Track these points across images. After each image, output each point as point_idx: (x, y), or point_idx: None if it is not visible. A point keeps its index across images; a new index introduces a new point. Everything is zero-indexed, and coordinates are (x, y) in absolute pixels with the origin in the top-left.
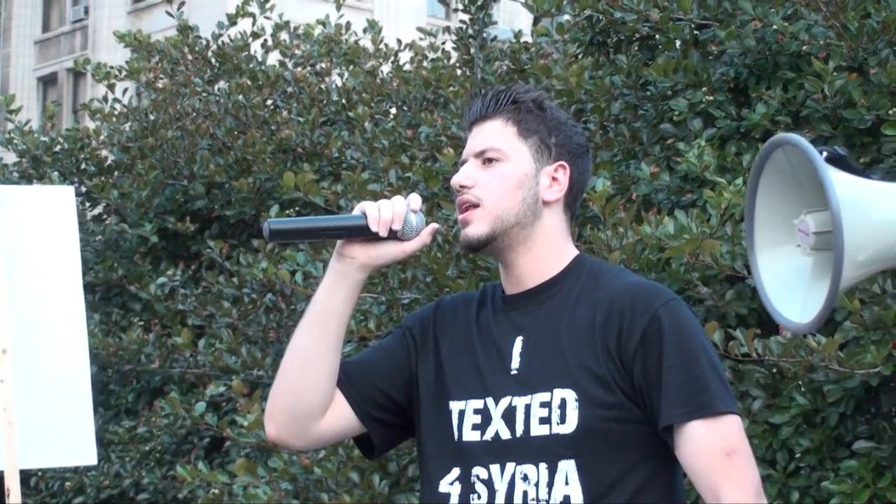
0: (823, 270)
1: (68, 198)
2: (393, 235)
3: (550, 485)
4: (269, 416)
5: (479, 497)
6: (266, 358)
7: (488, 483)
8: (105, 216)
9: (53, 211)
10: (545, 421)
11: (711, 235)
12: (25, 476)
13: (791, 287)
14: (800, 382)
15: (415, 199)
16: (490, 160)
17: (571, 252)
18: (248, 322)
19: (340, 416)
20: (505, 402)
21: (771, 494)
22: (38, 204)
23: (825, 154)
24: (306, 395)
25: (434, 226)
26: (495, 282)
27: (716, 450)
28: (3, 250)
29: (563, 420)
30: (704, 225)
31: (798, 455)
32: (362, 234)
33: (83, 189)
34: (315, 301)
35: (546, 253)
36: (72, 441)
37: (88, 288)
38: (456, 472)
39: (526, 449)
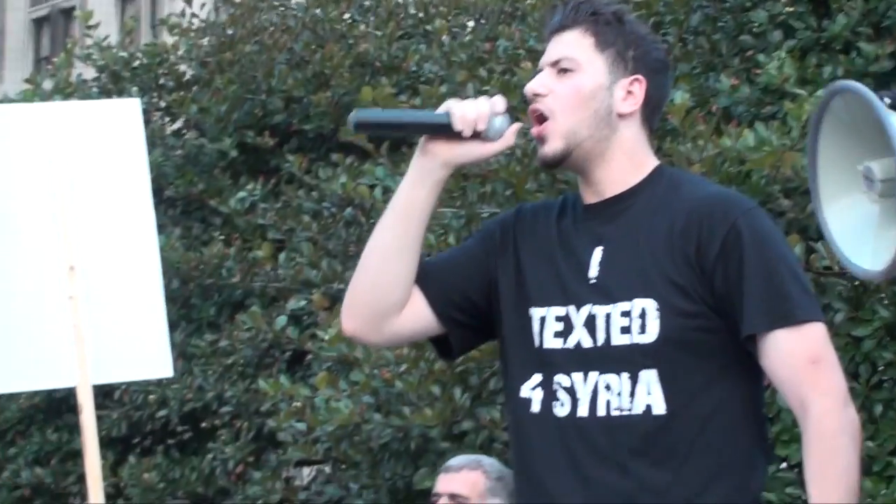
0: (892, 217)
1: (135, 110)
2: (477, 136)
3: (633, 394)
4: (346, 311)
5: (563, 405)
6: (346, 271)
7: (570, 391)
8: (184, 131)
9: (121, 124)
10: (626, 330)
11: (792, 148)
12: (109, 389)
13: (860, 234)
14: (882, 295)
15: (499, 101)
16: (564, 70)
17: (651, 163)
18: (328, 236)
19: (419, 316)
20: (586, 310)
21: None
22: (105, 118)
23: (887, 100)
24: (385, 290)
25: (518, 125)
26: (576, 192)
27: (801, 358)
28: (70, 166)
29: (643, 329)
30: (785, 137)
31: (881, 368)
32: (446, 132)
33: (162, 104)
34: (397, 197)
35: (624, 164)
36: (146, 354)
37: (168, 202)
38: (538, 377)
39: (608, 358)
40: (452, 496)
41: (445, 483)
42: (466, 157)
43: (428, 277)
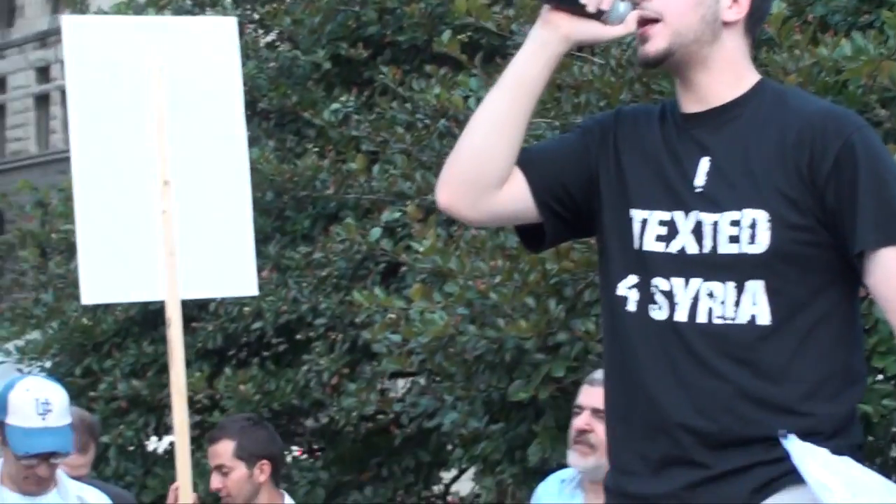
0: None
1: (231, 29)
2: (599, 16)
3: (737, 304)
4: (443, 182)
5: (660, 308)
6: None
7: (668, 295)
8: (278, 43)
9: (216, 42)
10: (734, 240)
11: (889, 57)
12: (204, 302)
13: None
14: None
15: None
16: None
17: (753, 77)
18: (421, 147)
19: (517, 197)
20: (693, 216)
21: None
22: (201, 35)
23: None
24: (486, 162)
25: (639, 12)
26: (674, 99)
27: None
28: (166, 82)
29: (753, 240)
30: (882, 46)
31: None
32: (570, 4)
33: (256, 16)
34: (511, 68)
35: (726, 74)
36: (233, 272)
37: (262, 114)
38: (634, 279)
39: (713, 266)
40: (595, 410)
41: (589, 396)
42: (585, 35)
43: (531, 162)
